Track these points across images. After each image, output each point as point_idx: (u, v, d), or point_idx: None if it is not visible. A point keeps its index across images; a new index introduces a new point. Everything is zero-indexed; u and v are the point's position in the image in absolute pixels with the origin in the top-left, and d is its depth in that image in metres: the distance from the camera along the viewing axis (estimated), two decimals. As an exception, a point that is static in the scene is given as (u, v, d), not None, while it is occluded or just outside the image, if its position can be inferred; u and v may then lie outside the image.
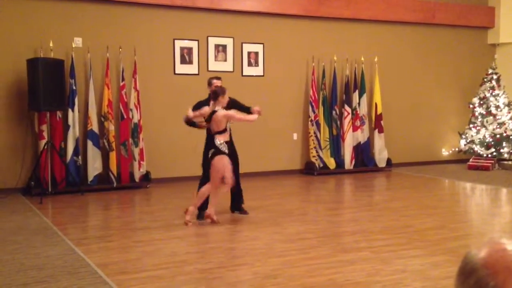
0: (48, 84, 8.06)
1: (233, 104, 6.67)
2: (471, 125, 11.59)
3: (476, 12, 12.15)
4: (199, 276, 4.56)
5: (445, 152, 12.19)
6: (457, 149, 11.89)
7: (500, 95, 11.42)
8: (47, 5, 8.69)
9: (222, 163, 6.18)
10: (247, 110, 6.85)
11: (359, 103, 10.93)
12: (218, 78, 6.88)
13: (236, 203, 6.96)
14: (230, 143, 6.38)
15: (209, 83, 6.80)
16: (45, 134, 8.36)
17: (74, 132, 8.63)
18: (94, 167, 8.77)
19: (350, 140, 10.81)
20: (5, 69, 8.47)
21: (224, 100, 6.29)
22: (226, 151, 6.23)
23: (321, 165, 10.58)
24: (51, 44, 8.47)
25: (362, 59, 11.00)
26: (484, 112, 11.45)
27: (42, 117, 8.41)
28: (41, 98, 8.01)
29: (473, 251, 1.36)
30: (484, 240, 1.39)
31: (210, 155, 6.26)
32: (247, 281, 4.45)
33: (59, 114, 8.56)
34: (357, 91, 10.94)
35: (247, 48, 10.24)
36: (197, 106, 6.52)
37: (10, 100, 8.55)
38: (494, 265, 1.28)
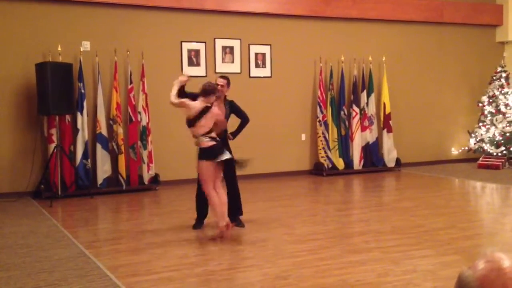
0: (57, 88, 8.10)
1: (232, 108, 6.42)
2: (480, 124, 11.53)
3: (485, 10, 12.09)
4: (209, 277, 4.56)
5: (455, 151, 12.13)
6: (466, 148, 11.83)
7: (509, 93, 11.35)
8: (55, 10, 8.74)
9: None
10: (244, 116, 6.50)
11: (367, 103, 10.90)
12: (222, 77, 6.43)
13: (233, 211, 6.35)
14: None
15: None
16: (54, 137, 8.41)
17: (83, 136, 8.66)
18: (103, 170, 8.81)
19: (358, 140, 10.78)
20: (14, 74, 8.52)
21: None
22: None
23: (330, 165, 10.56)
24: (59, 48, 8.52)
25: (370, 58, 10.97)
26: (494, 111, 11.39)
27: (51, 121, 8.45)
28: (50, 102, 8.05)
29: (467, 272, 1.32)
30: (482, 252, 1.37)
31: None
32: (257, 283, 4.44)
33: (68, 117, 8.60)
34: (365, 91, 10.91)
35: (254, 49, 10.25)
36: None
37: (19, 105, 8.60)
38: (491, 286, 1.26)
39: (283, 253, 5.25)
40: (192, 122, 5.74)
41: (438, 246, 5.40)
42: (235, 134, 6.50)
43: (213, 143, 5.77)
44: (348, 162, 10.77)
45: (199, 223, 6.36)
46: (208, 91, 5.78)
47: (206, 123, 5.72)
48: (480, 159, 11.34)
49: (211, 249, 5.62)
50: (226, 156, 5.77)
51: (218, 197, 5.81)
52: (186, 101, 5.76)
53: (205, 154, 5.76)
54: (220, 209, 5.79)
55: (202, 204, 6.28)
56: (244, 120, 6.53)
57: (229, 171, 6.22)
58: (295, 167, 10.62)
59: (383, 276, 4.52)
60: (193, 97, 5.90)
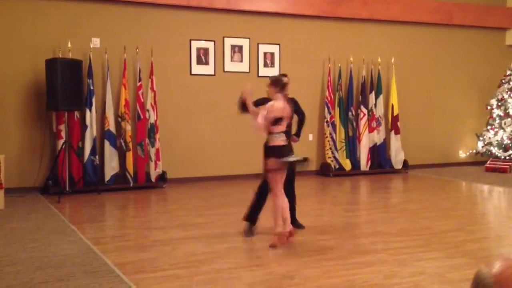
0: (66, 84, 8.14)
1: (295, 106, 6.14)
2: (488, 127, 11.49)
3: (494, 13, 12.04)
4: (216, 276, 4.57)
5: (462, 154, 12.09)
6: (474, 151, 11.79)
7: (518, 96, 11.30)
8: (65, 6, 8.77)
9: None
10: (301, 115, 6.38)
11: (375, 104, 10.88)
12: (285, 75, 5.95)
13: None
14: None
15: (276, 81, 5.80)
16: (63, 133, 8.44)
17: (91, 132, 8.69)
18: (111, 166, 8.83)
19: (366, 142, 10.76)
20: (24, 69, 8.56)
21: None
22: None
23: (337, 166, 10.55)
24: (69, 45, 8.55)
25: (379, 60, 10.95)
26: (502, 114, 11.34)
27: (60, 117, 8.48)
28: (59, 98, 8.08)
29: (484, 269, 1.35)
30: (497, 255, 1.38)
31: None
32: (264, 282, 4.44)
33: (77, 114, 8.63)
34: (373, 92, 10.89)
35: (263, 48, 10.25)
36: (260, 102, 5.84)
37: (29, 100, 8.64)
38: (506, 282, 1.28)
39: (289, 253, 5.24)
40: (278, 120, 5.44)
41: (445, 249, 5.38)
42: (298, 134, 6.45)
43: (285, 142, 5.60)
44: (355, 163, 10.75)
45: (252, 229, 5.97)
46: (277, 81, 5.54)
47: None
48: (488, 162, 11.30)
49: (218, 248, 5.62)
50: (293, 158, 5.60)
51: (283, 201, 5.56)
52: (268, 108, 5.44)
53: (278, 152, 5.51)
54: (286, 214, 5.54)
55: (260, 207, 6.00)
56: (303, 117, 6.50)
57: (289, 175, 6.01)
58: (302, 167, 10.59)
59: (390, 277, 4.51)
60: (262, 102, 5.76)
